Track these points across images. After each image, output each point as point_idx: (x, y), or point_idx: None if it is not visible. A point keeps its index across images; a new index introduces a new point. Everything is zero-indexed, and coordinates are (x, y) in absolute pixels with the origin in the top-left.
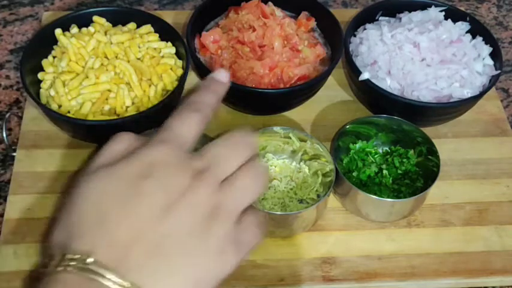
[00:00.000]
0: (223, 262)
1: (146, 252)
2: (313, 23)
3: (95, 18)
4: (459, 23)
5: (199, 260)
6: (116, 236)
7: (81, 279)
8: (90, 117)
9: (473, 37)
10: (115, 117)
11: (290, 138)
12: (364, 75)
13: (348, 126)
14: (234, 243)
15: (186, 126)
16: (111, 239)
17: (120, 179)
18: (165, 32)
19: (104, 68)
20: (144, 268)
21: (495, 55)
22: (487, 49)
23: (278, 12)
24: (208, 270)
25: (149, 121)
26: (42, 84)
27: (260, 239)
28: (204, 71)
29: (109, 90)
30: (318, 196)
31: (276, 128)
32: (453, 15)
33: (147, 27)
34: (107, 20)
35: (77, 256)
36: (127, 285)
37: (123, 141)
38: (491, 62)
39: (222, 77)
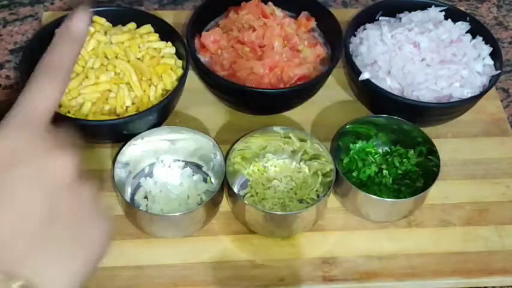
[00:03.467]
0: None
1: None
2: (313, 23)
3: (95, 18)
4: (459, 23)
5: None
6: None
7: None
8: (90, 117)
9: (473, 37)
10: (115, 117)
11: (290, 138)
12: (364, 75)
13: (348, 126)
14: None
15: (43, 95)
16: None
17: None
18: (165, 32)
19: (104, 68)
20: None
21: (495, 55)
22: (487, 49)
23: (278, 12)
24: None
25: (149, 121)
26: None
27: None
28: (204, 71)
29: (109, 90)
30: (318, 196)
31: (276, 128)
32: (453, 15)
33: (147, 27)
34: (107, 20)
35: None
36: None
37: None
38: (491, 62)
39: (81, 18)
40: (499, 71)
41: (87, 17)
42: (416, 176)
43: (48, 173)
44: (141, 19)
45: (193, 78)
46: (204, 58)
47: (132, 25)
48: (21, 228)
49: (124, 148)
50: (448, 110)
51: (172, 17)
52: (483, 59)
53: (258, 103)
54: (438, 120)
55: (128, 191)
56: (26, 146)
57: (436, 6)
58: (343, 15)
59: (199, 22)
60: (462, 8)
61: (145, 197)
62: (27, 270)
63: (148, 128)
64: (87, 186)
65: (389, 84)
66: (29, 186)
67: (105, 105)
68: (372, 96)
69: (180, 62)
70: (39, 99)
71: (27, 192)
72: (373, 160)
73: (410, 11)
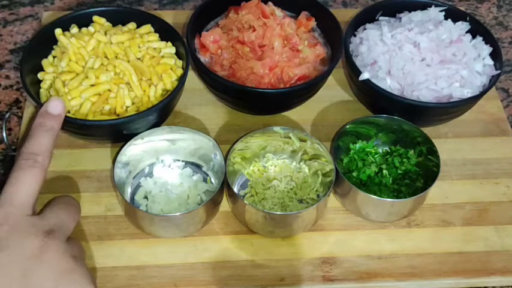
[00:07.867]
0: None
1: None
2: (313, 23)
3: (95, 18)
4: (459, 23)
5: None
6: None
7: None
8: (90, 117)
9: (473, 37)
10: (115, 117)
11: (290, 138)
12: (364, 75)
13: (348, 126)
14: None
15: (25, 188)
16: None
17: None
18: (165, 32)
19: (104, 68)
20: None
21: (495, 55)
22: (487, 49)
23: (278, 12)
24: None
25: (149, 121)
26: (42, 84)
27: None
28: (204, 71)
29: (109, 90)
30: (318, 196)
31: (276, 128)
32: (453, 15)
33: (147, 27)
34: (107, 20)
35: None
36: None
37: None
38: (491, 62)
39: (54, 108)
40: (499, 71)
41: (62, 103)
42: (416, 176)
43: (27, 254)
44: (141, 19)
45: (193, 78)
46: (204, 58)
47: (132, 25)
48: None
49: (124, 148)
50: (448, 110)
51: (172, 17)
52: (483, 59)
53: (258, 103)
54: (438, 120)
55: (128, 191)
56: (7, 233)
57: (436, 6)
58: (343, 15)
59: (199, 22)
60: (462, 8)
61: (145, 197)
62: None
63: (148, 128)
64: (71, 259)
65: (389, 84)
66: (6, 269)
67: (105, 105)
68: (372, 96)
69: (180, 62)
70: (21, 193)
71: (5, 274)
72: (373, 160)
73: (410, 11)
